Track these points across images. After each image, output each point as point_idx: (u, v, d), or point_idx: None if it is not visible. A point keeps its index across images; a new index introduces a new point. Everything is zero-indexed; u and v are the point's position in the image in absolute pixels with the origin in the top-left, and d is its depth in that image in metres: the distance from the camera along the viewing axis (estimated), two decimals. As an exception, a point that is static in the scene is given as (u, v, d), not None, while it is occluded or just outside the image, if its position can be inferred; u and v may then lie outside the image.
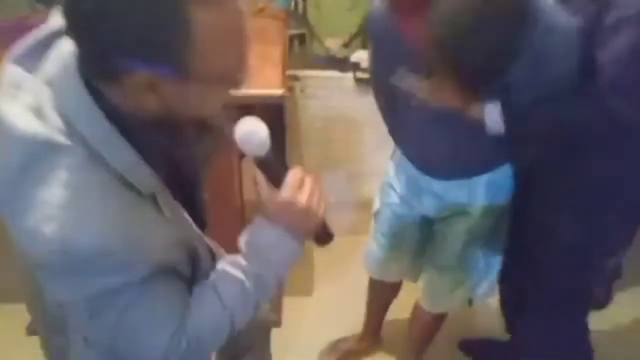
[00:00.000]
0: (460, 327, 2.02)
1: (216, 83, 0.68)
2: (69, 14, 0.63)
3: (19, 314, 1.96)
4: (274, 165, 0.80)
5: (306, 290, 2.17)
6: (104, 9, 0.59)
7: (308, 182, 0.82)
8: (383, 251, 1.60)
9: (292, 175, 0.80)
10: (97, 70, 0.66)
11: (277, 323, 2.01)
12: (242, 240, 0.84)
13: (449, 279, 1.52)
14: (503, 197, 1.40)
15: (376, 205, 1.58)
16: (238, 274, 0.82)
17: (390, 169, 1.52)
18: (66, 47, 0.69)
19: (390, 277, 1.70)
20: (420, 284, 1.65)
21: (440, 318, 1.68)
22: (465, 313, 2.06)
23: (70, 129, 0.67)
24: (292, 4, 4.57)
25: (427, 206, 1.43)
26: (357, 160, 2.42)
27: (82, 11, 0.61)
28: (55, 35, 0.72)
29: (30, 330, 1.95)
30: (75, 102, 0.67)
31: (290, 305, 2.10)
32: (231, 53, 0.67)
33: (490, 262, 1.49)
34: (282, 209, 0.80)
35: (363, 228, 1.74)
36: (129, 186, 0.71)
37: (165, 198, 0.77)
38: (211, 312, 0.81)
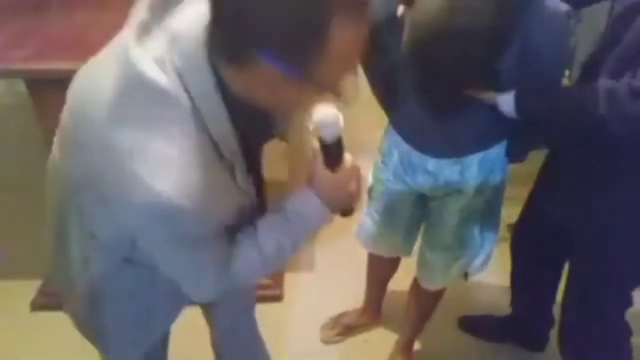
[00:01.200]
0: (460, 304, 2.03)
1: (324, 90, 0.73)
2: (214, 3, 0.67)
3: (23, 290, 2.00)
4: (335, 150, 0.86)
5: (307, 265, 2.18)
6: (249, 9, 0.63)
7: (358, 170, 0.91)
8: (377, 227, 1.60)
9: (349, 162, 0.89)
10: (226, 52, 0.70)
11: (279, 297, 2.03)
12: (288, 203, 0.91)
13: (445, 256, 1.52)
14: (496, 175, 1.39)
15: (370, 181, 1.58)
16: (278, 234, 0.90)
17: (384, 145, 1.51)
18: (195, 12, 0.72)
19: (384, 252, 1.70)
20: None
21: (438, 294, 1.69)
22: (464, 289, 2.07)
23: (183, 87, 0.72)
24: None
25: (421, 184, 1.43)
26: (350, 136, 2.39)
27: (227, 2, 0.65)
28: None
29: (34, 306, 1.98)
30: (194, 71, 0.72)
31: (292, 280, 2.11)
32: (349, 68, 0.73)
33: (485, 237, 1.49)
34: (332, 189, 0.89)
35: (363, 204, 1.74)
36: (218, 154, 0.77)
37: (241, 168, 0.84)
38: (252, 263, 0.91)
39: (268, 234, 0.90)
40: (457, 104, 1.20)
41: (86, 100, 0.79)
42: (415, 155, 1.38)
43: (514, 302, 1.83)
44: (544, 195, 1.53)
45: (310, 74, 0.67)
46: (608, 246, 1.34)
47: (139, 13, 0.75)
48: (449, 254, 1.51)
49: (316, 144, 0.86)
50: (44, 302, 1.94)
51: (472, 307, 2.05)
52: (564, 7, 1.08)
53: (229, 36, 0.68)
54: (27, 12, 1.89)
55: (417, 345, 1.87)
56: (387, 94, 1.38)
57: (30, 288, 2.00)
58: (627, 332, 1.46)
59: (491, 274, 1.91)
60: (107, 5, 1.91)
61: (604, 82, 1.10)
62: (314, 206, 0.89)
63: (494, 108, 1.17)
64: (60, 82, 1.62)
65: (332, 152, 0.86)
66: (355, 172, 0.91)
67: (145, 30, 0.73)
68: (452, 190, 1.39)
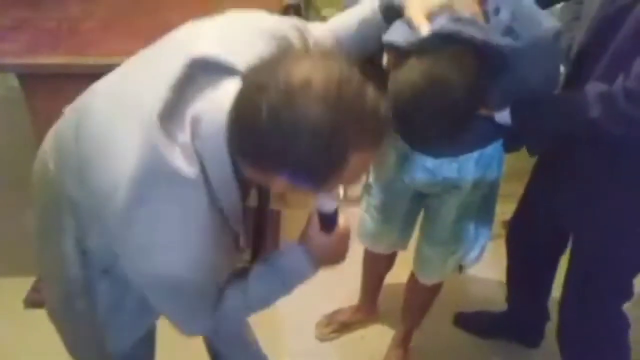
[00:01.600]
0: (456, 300, 2.03)
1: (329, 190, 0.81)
2: (242, 125, 0.72)
3: (16, 287, 1.98)
4: (330, 218, 0.92)
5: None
6: (280, 132, 0.68)
7: (349, 234, 0.96)
8: (376, 224, 1.60)
9: (342, 226, 0.94)
10: (247, 158, 0.75)
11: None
12: (279, 259, 0.97)
13: (442, 250, 1.53)
14: (493, 171, 1.39)
15: (368, 178, 1.57)
16: (265, 286, 0.97)
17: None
18: (219, 95, 0.77)
19: (383, 249, 1.70)
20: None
21: (435, 289, 1.69)
22: (460, 285, 2.08)
23: (202, 171, 0.77)
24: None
25: (419, 182, 1.42)
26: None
27: (258, 123, 0.69)
28: (201, 66, 0.79)
29: (28, 303, 1.96)
30: (215, 157, 0.78)
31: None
32: (359, 178, 0.81)
33: (479, 230, 1.49)
34: (323, 251, 0.94)
35: (357, 200, 1.73)
36: (227, 225, 0.84)
37: (244, 235, 0.91)
38: (238, 310, 0.99)
39: (256, 286, 0.95)
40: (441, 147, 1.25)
41: (105, 155, 0.81)
42: (414, 154, 1.38)
43: (510, 297, 1.83)
44: (540, 190, 1.53)
45: (322, 187, 0.76)
46: (606, 239, 1.34)
47: (163, 91, 0.77)
48: (445, 248, 1.51)
49: (314, 207, 0.91)
50: (38, 299, 1.92)
51: (468, 303, 2.05)
52: (552, 29, 1.05)
53: (253, 151, 0.73)
54: (20, 5, 1.87)
55: (413, 341, 1.86)
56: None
57: (23, 285, 1.98)
58: (626, 325, 1.47)
59: (487, 270, 1.92)
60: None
61: (597, 86, 1.11)
62: (303, 265, 0.95)
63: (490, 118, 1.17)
64: (52, 77, 1.62)
65: (328, 219, 0.91)
66: (347, 236, 0.96)
67: (169, 110, 0.76)
68: (450, 186, 1.39)
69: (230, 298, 0.94)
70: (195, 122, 0.77)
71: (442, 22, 0.94)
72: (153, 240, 0.78)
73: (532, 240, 1.62)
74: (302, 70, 0.69)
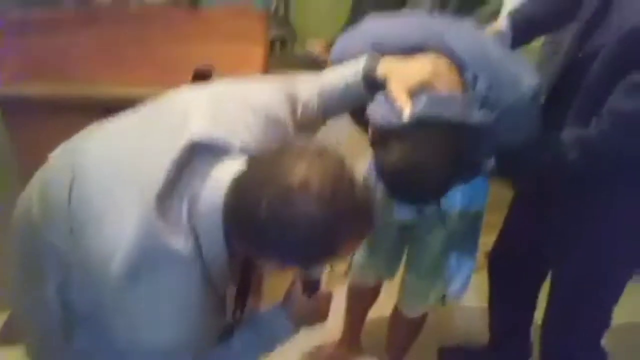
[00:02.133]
0: (440, 332, 2.01)
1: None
2: (242, 217, 0.78)
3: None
4: (314, 283, 0.97)
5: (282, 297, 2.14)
6: (279, 226, 0.75)
7: (331, 298, 1.01)
8: (362, 257, 1.59)
9: (325, 290, 0.99)
10: (243, 241, 0.81)
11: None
12: (261, 320, 1.01)
13: (426, 282, 1.53)
14: (479, 200, 1.41)
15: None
16: (246, 345, 1.00)
17: (367, 173, 1.51)
18: (215, 177, 0.82)
19: (370, 282, 1.69)
20: (398, 287, 1.65)
21: (419, 322, 1.68)
22: (444, 318, 2.06)
23: (197, 248, 0.81)
24: (273, 6, 4.56)
25: (405, 212, 1.42)
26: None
27: (261, 212, 0.75)
28: (199, 147, 0.83)
29: (1, 340, 1.89)
30: (210, 237, 0.81)
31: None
32: (347, 257, 0.85)
33: (462, 261, 1.50)
34: (304, 313, 0.99)
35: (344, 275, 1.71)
36: (216, 293, 0.87)
37: (232, 301, 0.98)
38: None
39: (238, 347, 0.98)
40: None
41: (101, 222, 0.82)
42: None
43: (492, 328, 1.83)
44: (519, 221, 1.55)
45: (312, 268, 0.87)
46: (586, 268, 1.36)
47: (162, 170, 0.80)
48: (429, 279, 1.52)
49: (298, 273, 0.97)
50: (11, 336, 1.86)
51: (452, 336, 2.03)
52: (530, 89, 1.09)
53: (250, 238, 0.79)
54: (4, 34, 1.87)
55: (397, 376, 1.83)
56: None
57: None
58: (604, 355, 1.49)
59: (471, 301, 1.91)
60: (86, 29, 1.91)
61: (573, 131, 1.15)
62: (285, 328, 0.99)
63: None
64: (36, 106, 1.62)
65: (311, 283, 0.96)
66: (328, 300, 1.01)
67: (167, 189, 0.80)
68: (437, 217, 1.40)
69: (214, 355, 0.96)
70: (192, 202, 0.81)
71: (422, 103, 0.99)
72: (144, 315, 0.81)
73: (512, 271, 1.63)
74: (300, 170, 0.76)
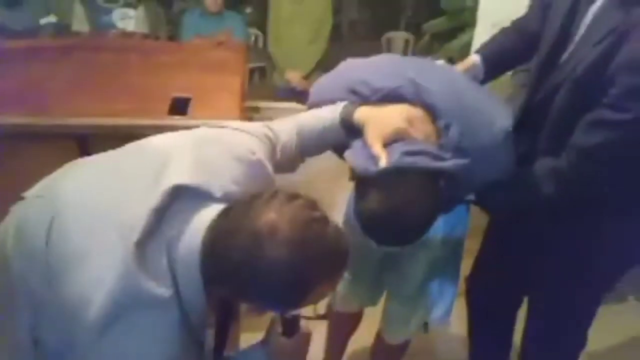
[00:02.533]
0: (422, 354, 2.00)
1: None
2: (215, 264, 0.80)
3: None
4: (292, 323, 0.97)
5: (264, 325, 2.11)
6: (250, 272, 0.77)
7: (309, 338, 1.01)
8: (345, 284, 1.59)
9: (304, 330, 0.99)
10: (219, 287, 0.83)
11: (235, 359, 1.95)
12: (239, 357, 1.03)
13: (408, 307, 1.53)
14: (460, 227, 1.43)
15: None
16: None
17: (351, 199, 1.53)
18: (195, 224, 0.83)
19: (353, 308, 1.69)
20: (380, 314, 1.64)
21: (401, 349, 1.66)
22: (426, 344, 2.05)
23: (176, 292, 0.82)
24: (253, 38, 4.63)
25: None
26: (316, 191, 2.42)
27: (233, 259, 0.77)
28: (180, 193, 0.84)
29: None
30: (188, 282, 0.82)
31: (248, 340, 2.03)
32: (321, 300, 0.87)
33: (444, 288, 1.50)
34: (283, 354, 0.98)
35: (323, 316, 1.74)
36: (194, 336, 0.87)
37: (209, 343, 0.97)
38: None
39: None
40: None
41: (80, 266, 0.82)
42: None
43: (472, 354, 1.83)
44: (495, 246, 1.57)
45: (287, 312, 0.88)
46: (561, 292, 1.39)
47: (142, 217, 0.81)
48: (412, 305, 1.52)
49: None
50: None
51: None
52: (502, 130, 1.12)
53: (225, 284, 0.81)
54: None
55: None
56: None
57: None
58: None
59: (452, 326, 1.91)
60: (64, 59, 1.91)
61: (546, 162, 1.20)
62: None
63: None
64: (13, 137, 1.60)
65: (290, 324, 0.96)
66: (307, 341, 1.01)
67: (147, 234, 0.81)
68: (419, 243, 1.40)
69: None
70: (172, 247, 0.82)
71: (396, 154, 1.03)
72: (121, 357, 0.80)
73: (489, 297, 1.64)
74: (269, 216, 0.78)
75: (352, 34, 8.16)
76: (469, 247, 1.57)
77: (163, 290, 0.80)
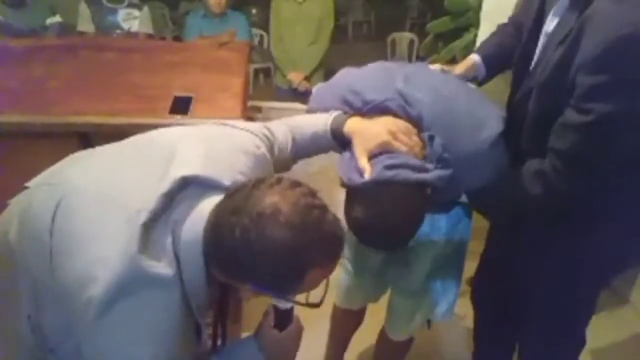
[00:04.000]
0: (425, 357, 2.00)
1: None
2: (217, 242, 0.83)
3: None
4: (285, 315, 0.99)
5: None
6: (250, 251, 0.80)
7: (301, 332, 1.03)
8: (349, 277, 1.60)
9: (296, 326, 1.01)
10: (219, 267, 0.86)
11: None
12: (234, 350, 1.02)
13: (411, 302, 1.54)
14: (463, 225, 1.44)
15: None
16: None
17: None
18: (201, 208, 0.86)
19: (356, 304, 1.69)
20: (383, 312, 1.64)
21: (405, 346, 1.67)
22: (429, 342, 2.05)
23: (178, 272, 0.84)
24: (257, 38, 4.65)
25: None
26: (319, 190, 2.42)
27: (235, 236, 0.80)
28: (189, 182, 0.87)
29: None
30: (190, 262, 0.85)
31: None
32: (318, 286, 0.89)
33: (447, 285, 1.51)
34: (275, 346, 1.00)
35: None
36: (192, 318, 0.89)
37: (206, 328, 0.98)
38: None
39: None
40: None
41: (84, 248, 0.84)
42: None
43: (477, 352, 1.82)
44: (496, 247, 1.57)
45: (284, 295, 0.89)
46: (556, 289, 1.38)
47: (152, 200, 0.84)
48: (415, 300, 1.52)
49: (271, 304, 0.98)
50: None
51: (438, 357, 2.03)
52: (489, 137, 1.15)
53: (225, 263, 0.84)
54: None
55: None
56: None
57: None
58: None
59: (455, 325, 1.91)
60: (67, 58, 1.92)
61: (532, 165, 1.19)
62: (255, 357, 0.99)
63: None
64: (12, 136, 1.61)
65: (283, 315, 0.98)
66: (298, 334, 1.02)
67: (154, 216, 0.84)
68: (423, 239, 1.41)
69: None
70: (176, 230, 0.85)
71: (379, 166, 1.09)
72: (125, 334, 0.82)
73: (492, 296, 1.63)
74: (273, 199, 0.81)
75: (357, 35, 8.18)
76: (472, 249, 1.56)
77: (166, 270, 0.83)
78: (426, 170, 1.10)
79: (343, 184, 1.14)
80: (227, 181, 0.90)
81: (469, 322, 1.78)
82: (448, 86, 1.24)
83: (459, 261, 1.51)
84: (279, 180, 0.86)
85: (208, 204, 0.87)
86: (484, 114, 1.19)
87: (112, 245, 0.81)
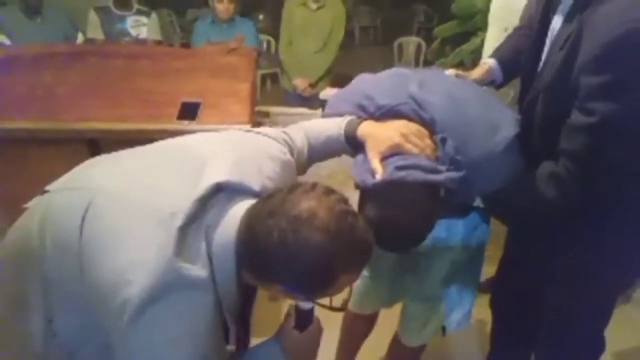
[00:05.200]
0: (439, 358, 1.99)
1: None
2: (253, 243, 0.84)
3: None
4: (306, 315, 0.99)
5: (274, 329, 2.11)
6: (286, 253, 0.81)
7: (321, 333, 1.03)
8: (364, 281, 1.59)
9: (317, 324, 1.01)
10: (251, 271, 0.87)
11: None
12: (256, 350, 1.03)
13: (426, 308, 1.52)
14: (480, 231, 1.42)
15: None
16: None
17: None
18: (234, 213, 0.88)
19: (370, 309, 1.68)
20: (393, 320, 1.63)
21: (418, 352, 1.65)
22: (443, 348, 2.03)
23: (212, 275, 0.86)
24: (265, 44, 4.66)
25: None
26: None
27: (268, 243, 0.82)
28: (221, 188, 0.89)
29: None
30: (223, 267, 0.87)
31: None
32: (345, 289, 0.90)
33: (463, 292, 1.49)
34: (296, 347, 1.00)
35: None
36: (222, 322, 0.90)
37: (234, 331, 0.98)
38: None
39: None
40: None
41: (116, 251, 0.84)
42: None
43: (493, 357, 1.81)
44: (515, 253, 1.55)
45: (312, 298, 0.90)
46: (570, 297, 1.36)
47: (187, 205, 0.85)
48: (429, 305, 1.51)
49: (292, 305, 0.99)
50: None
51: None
52: (503, 140, 1.14)
53: (259, 264, 0.86)
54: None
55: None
56: None
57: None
58: None
59: (470, 333, 1.89)
60: (75, 65, 1.93)
61: (546, 167, 1.18)
62: (278, 357, 1.00)
63: None
64: (24, 141, 1.62)
65: (304, 316, 0.98)
66: (319, 335, 1.03)
67: (190, 220, 0.85)
68: (440, 245, 1.41)
69: None
70: (210, 233, 0.87)
71: (392, 167, 1.10)
72: (161, 335, 0.82)
73: (511, 300, 1.62)
74: (310, 203, 0.84)
75: (364, 40, 8.21)
76: (490, 254, 1.55)
77: (201, 273, 0.84)
78: (438, 172, 1.10)
79: (357, 186, 1.15)
80: (256, 186, 0.92)
81: (482, 326, 1.76)
82: (462, 90, 1.24)
83: (476, 268, 1.50)
84: (314, 186, 0.88)
85: (239, 208, 0.89)
86: (498, 117, 1.19)
87: (146, 248, 0.82)
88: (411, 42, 5.61)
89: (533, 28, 1.31)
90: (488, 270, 1.67)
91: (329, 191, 0.88)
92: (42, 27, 2.96)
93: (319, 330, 1.03)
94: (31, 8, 2.93)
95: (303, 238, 0.81)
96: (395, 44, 5.61)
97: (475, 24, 3.01)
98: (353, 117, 1.23)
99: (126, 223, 0.85)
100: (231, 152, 0.96)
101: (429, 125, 1.17)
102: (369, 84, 1.29)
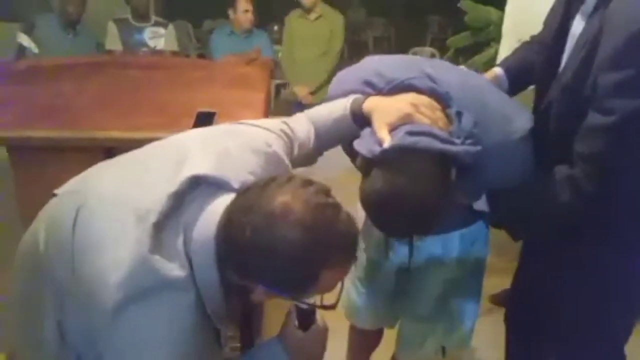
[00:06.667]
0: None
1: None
2: (229, 241, 0.82)
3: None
4: (308, 315, 0.97)
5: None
6: (260, 251, 0.79)
7: (326, 333, 1.01)
8: (361, 298, 1.56)
9: (320, 324, 0.99)
10: (232, 268, 0.84)
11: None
12: (258, 352, 1.02)
13: (422, 327, 1.48)
14: (478, 246, 1.38)
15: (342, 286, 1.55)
16: None
17: (364, 215, 1.52)
18: (212, 209, 0.85)
19: (370, 325, 1.65)
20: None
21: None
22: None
23: (192, 274, 0.84)
24: (279, 55, 4.72)
25: (403, 256, 1.42)
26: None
27: (246, 235, 0.79)
28: (199, 182, 0.87)
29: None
30: (203, 264, 0.84)
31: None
32: (331, 289, 0.88)
33: (463, 311, 1.45)
34: (299, 347, 0.98)
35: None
36: (210, 323, 0.88)
37: (225, 333, 0.99)
38: None
39: None
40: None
41: (99, 249, 0.85)
42: None
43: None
44: (531, 264, 1.53)
45: (297, 297, 0.88)
46: (589, 310, 1.32)
47: (162, 201, 0.84)
48: (425, 325, 1.47)
49: (293, 305, 0.96)
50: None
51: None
52: (520, 130, 1.12)
53: (236, 263, 0.83)
54: (15, 80, 1.94)
55: None
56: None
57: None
58: None
59: (487, 348, 1.86)
60: (93, 75, 1.97)
61: (561, 170, 1.16)
62: (280, 358, 0.98)
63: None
64: (40, 149, 1.65)
65: (306, 316, 0.96)
66: (323, 334, 1.00)
67: (165, 217, 0.84)
68: (435, 262, 1.38)
69: None
70: (188, 230, 0.84)
71: (400, 135, 1.03)
72: (140, 336, 0.81)
73: (526, 317, 1.58)
74: (284, 197, 0.80)
75: (378, 50, 8.23)
76: (491, 264, 1.51)
77: (178, 272, 0.82)
78: (453, 143, 1.03)
79: (361, 168, 1.09)
80: (237, 181, 0.89)
81: (497, 341, 1.74)
82: (477, 80, 1.22)
83: (476, 284, 1.45)
84: (290, 179, 0.85)
85: (219, 204, 0.86)
86: (514, 108, 1.16)
87: (123, 247, 0.82)
88: (425, 53, 5.62)
89: (545, 43, 1.31)
90: (497, 283, 1.64)
91: (307, 183, 0.84)
92: (74, 41, 3.04)
93: (324, 330, 1.00)
94: (70, 22, 3.01)
95: (278, 234, 0.78)
96: (410, 54, 5.63)
97: (488, 34, 3.01)
98: (358, 95, 1.17)
99: (110, 223, 0.86)
100: (212, 145, 0.94)
101: (443, 101, 1.11)
102: (379, 62, 1.25)
